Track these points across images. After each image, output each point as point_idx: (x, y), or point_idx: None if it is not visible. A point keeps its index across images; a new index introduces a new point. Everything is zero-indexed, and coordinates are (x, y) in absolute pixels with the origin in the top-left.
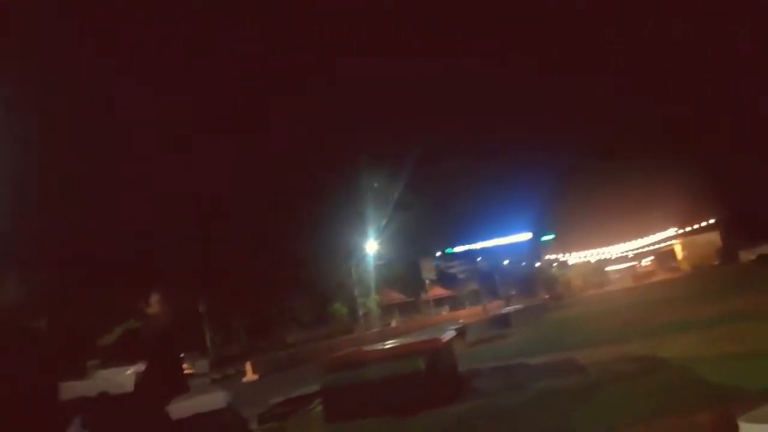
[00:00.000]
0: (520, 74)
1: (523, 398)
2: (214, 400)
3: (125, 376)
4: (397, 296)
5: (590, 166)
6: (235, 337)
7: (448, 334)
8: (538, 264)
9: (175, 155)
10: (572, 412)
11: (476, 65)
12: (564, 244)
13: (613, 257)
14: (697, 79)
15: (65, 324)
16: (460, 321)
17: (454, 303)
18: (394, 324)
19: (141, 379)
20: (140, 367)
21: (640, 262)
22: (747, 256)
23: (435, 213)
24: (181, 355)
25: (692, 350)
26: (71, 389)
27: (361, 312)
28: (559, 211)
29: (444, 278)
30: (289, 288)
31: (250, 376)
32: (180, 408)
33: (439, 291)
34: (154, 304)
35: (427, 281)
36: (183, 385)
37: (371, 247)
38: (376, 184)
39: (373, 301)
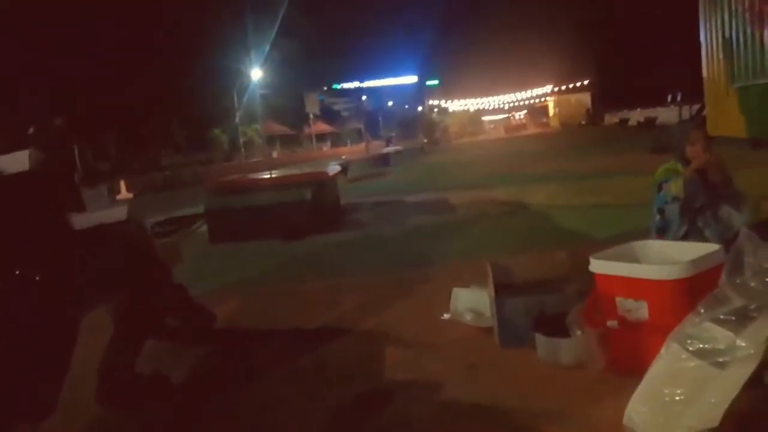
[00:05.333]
0: None
1: (399, 229)
2: (117, 212)
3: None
4: (279, 128)
5: (477, 16)
6: (105, 153)
7: (334, 169)
8: (420, 108)
9: None
10: (442, 242)
11: None
12: (447, 91)
13: (490, 108)
14: None
15: None
16: (343, 157)
17: (336, 139)
18: (275, 155)
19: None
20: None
21: (515, 114)
22: (611, 119)
23: (323, 47)
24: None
25: (552, 200)
26: None
27: (241, 140)
28: (445, 58)
29: (328, 114)
30: (164, 107)
31: (124, 194)
32: (83, 219)
33: (322, 126)
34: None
35: (311, 115)
36: (81, 203)
37: (256, 74)
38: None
39: (254, 131)
